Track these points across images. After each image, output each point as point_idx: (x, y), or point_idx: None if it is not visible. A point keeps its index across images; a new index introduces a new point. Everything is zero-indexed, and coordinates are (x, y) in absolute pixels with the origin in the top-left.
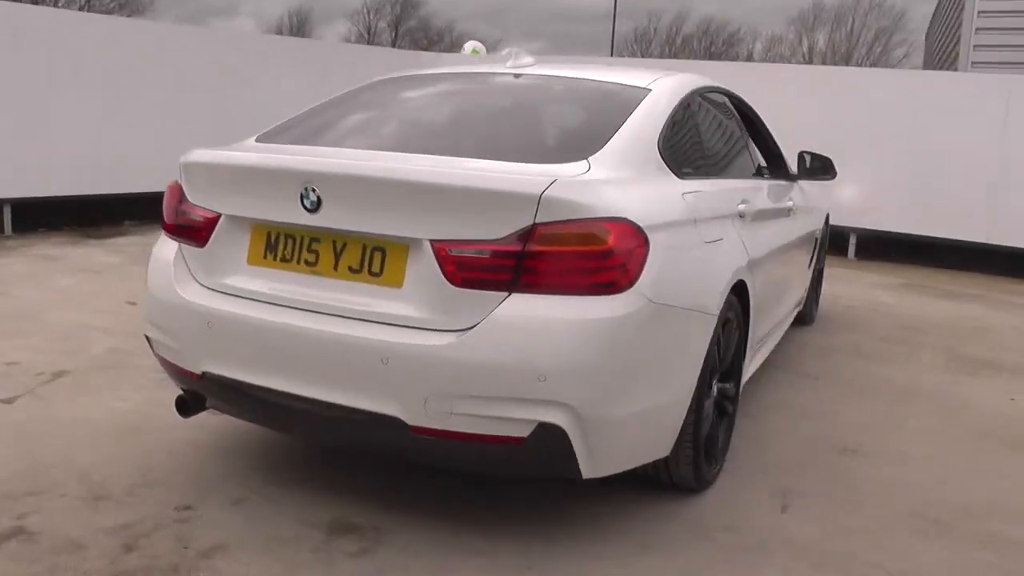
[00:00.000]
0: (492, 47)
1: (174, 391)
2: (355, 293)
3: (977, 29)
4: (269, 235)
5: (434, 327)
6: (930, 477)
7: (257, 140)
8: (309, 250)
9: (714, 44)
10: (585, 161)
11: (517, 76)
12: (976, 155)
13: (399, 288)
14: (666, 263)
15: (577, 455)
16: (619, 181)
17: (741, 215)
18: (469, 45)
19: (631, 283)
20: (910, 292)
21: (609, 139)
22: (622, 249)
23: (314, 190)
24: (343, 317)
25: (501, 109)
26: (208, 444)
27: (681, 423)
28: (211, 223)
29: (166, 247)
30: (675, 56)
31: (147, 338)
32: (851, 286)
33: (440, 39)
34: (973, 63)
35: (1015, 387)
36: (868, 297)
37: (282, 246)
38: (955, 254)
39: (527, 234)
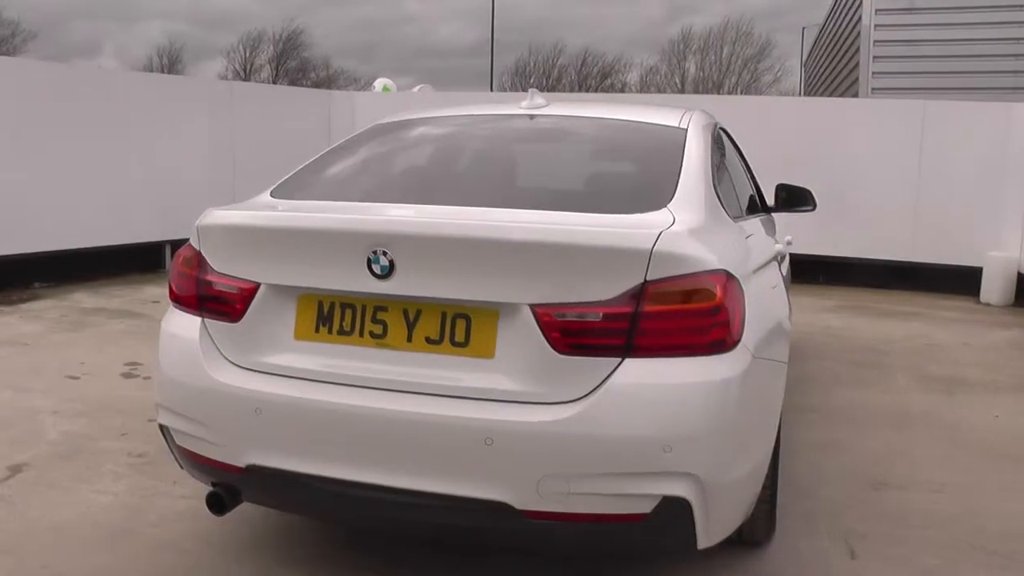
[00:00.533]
0: (368, 84)
1: (158, 476)
2: (436, 367)
3: (875, 57)
4: (321, 305)
5: (536, 400)
6: (970, 504)
7: (273, 195)
8: (374, 321)
9: (591, 76)
10: (666, 210)
11: (532, 117)
12: (895, 177)
13: (490, 359)
14: (755, 315)
15: (697, 526)
16: (704, 229)
17: (776, 256)
18: (380, 83)
19: (737, 339)
20: (850, 313)
21: (676, 185)
22: (728, 303)
23: (385, 253)
24: (424, 394)
25: (550, 155)
26: (220, 537)
27: (764, 477)
28: (247, 294)
29: (182, 322)
30: (553, 89)
31: (162, 428)
32: (794, 311)
33: (317, 76)
34: (873, 89)
35: (993, 402)
36: (815, 321)
37: (339, 317)
38: (872, 273)
39: (638, 293)
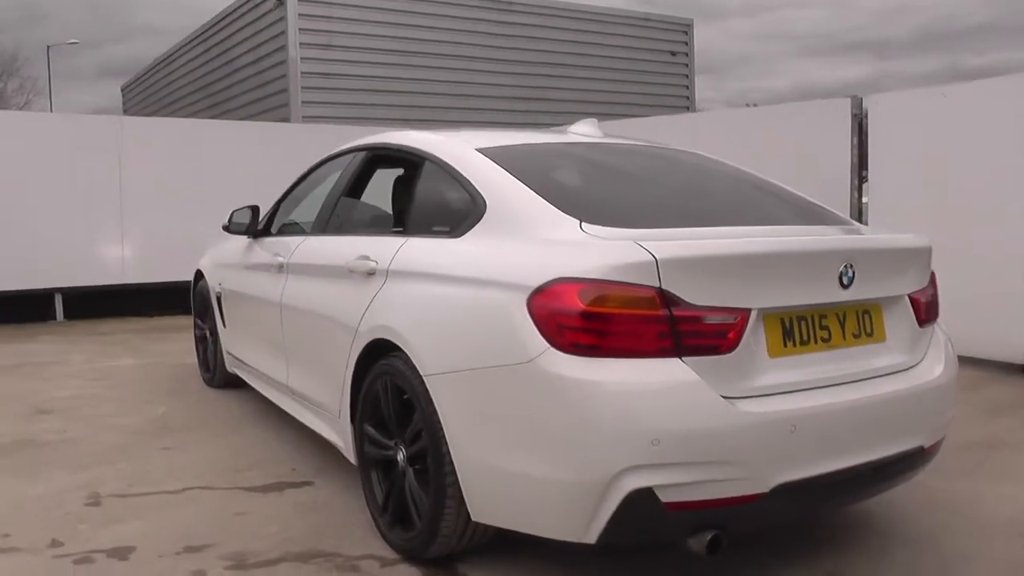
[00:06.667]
0: None
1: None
2: (861, 356)
3: (303, 87)
4: (783, 321)
5: (908, 366)
6: None
7: (588, 224)
8: (821, 327)
9: None
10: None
11: (593, 143)
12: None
13: (883, 342)
14: None
15: None
16: None
17: None
18: None
19: None
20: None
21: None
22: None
23: (851, 266)
24: (862, 380)
25: (706, 178)
26: None
27: None
28: (743, 323)
29: (643, 369)
30: None
31: (633, 496)
32: None
33: None
34: (304, 116)
35: None
36: None
37: (797, 329)
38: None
39: (931, 278)
